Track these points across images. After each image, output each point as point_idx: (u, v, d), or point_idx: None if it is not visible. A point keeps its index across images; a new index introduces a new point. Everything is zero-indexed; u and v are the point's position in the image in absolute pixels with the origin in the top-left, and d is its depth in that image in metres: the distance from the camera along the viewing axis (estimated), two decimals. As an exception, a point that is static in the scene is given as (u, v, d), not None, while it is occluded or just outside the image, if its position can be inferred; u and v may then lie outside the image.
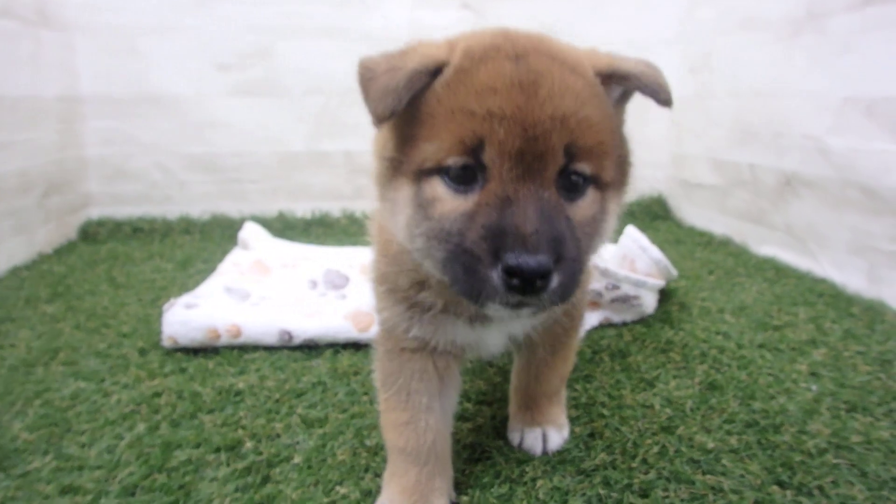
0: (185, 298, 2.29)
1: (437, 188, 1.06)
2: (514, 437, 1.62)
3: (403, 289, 1.30)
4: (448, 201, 1.06)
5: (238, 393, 1.88)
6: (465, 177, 1.05)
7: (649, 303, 2.38)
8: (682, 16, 4.08)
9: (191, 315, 2.17)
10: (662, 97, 1.13)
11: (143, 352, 2.17)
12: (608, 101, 1.14)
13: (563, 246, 1.00)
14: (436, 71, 1.06)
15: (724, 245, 3.53)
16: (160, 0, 3.75)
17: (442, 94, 1.05)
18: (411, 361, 1.37)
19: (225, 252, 3.04)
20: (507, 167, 1.01)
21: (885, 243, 2.55)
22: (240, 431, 1.67)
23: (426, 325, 1.32)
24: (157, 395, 1.87)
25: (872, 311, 2.45)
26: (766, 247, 3.31)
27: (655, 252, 2.43)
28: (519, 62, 1.04)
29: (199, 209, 4.04)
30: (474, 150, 1.02)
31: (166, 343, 2.16)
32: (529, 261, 0.95)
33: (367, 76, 1.07)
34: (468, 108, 1.01)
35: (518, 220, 0.98)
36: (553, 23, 4.05)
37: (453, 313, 1.30)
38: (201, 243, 3.69)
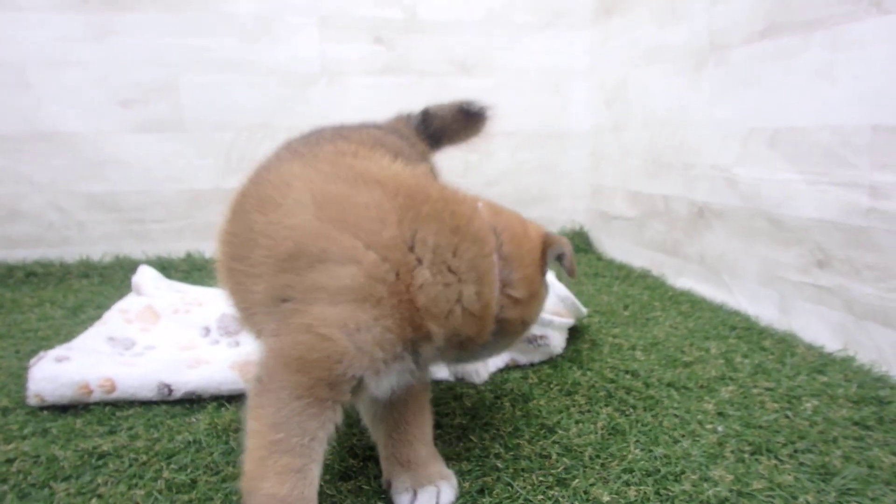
0: (57, 351, 2.10)
1: None
2: (404, 499, 1.42)
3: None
4: None
5: (102, 456, 1.69)
6: None
7: (557, 342, 2.28)
8: (595, 47, 4.07)
9: (60, 369, 1.97)
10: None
11: (5, 411, 1.95)
12: None
13: None
14: None
15: (641, 278, 3.48)
16: (54, 32, 3.55)
17: None
18: (325, 406, 1.20)
19: (123, 297, 2.85)
20: None
21: (793, 274, 2.53)
22: (94, 501, 1.49)
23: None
24: (10, 461, 1.66)
25: (784, 343, 2.41)
26: (682, 279, 3.28)
27: (561, 289, 2.35)
28: None
29: (99, 251, 3.81)
30: None
31: (32, 401, 1.96)
32: None
33: None
34: None
35: None
36: (467, 56, 4.01)
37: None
38: (99, 287, 3.47)
